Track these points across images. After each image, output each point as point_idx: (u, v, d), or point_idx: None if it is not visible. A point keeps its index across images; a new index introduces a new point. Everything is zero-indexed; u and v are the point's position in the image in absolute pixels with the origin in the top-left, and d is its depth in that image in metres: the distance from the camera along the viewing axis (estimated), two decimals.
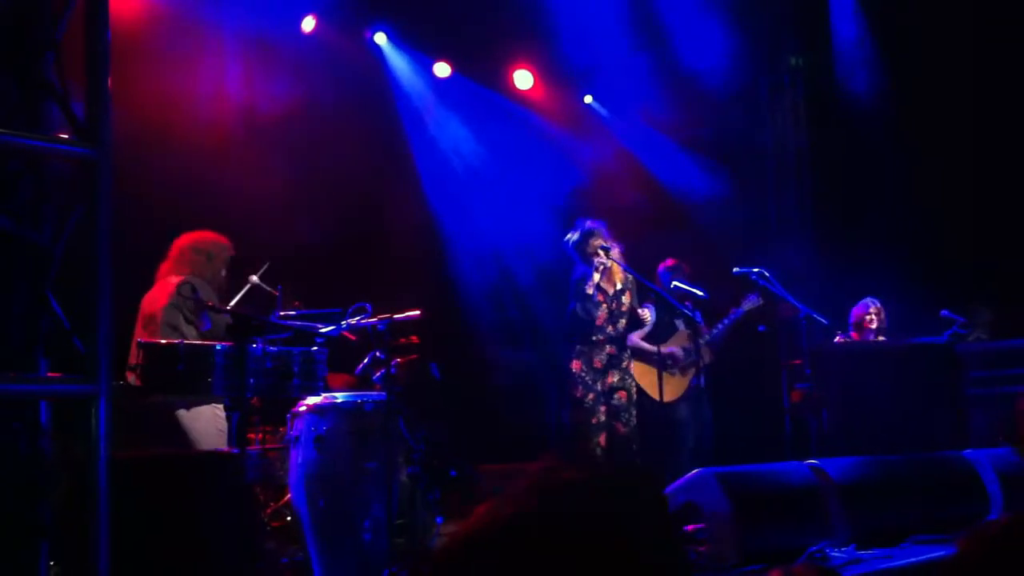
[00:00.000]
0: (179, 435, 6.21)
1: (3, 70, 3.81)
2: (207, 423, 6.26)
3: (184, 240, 6.76)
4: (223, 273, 6.76)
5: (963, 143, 9.69)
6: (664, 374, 8.24)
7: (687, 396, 8.86)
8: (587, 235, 8.10)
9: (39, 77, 3.91)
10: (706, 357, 8.94)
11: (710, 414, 8.92)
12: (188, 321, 6.40)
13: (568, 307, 8.12)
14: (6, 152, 3.71)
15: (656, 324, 8.50)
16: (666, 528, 1.45)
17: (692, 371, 8.88)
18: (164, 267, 6.69)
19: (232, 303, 6.70)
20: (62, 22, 3.98)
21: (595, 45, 10.50)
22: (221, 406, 6.36)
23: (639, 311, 8.12)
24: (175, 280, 6.51)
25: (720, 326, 9.04)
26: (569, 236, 8.21)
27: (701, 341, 8.75)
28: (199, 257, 6.66)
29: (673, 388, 8.65)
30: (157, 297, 6.50)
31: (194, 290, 6.41)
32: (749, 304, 9.06)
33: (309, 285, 7.56)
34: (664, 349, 8.43)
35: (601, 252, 7.93)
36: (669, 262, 8.92)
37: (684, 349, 8.78)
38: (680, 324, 8.97)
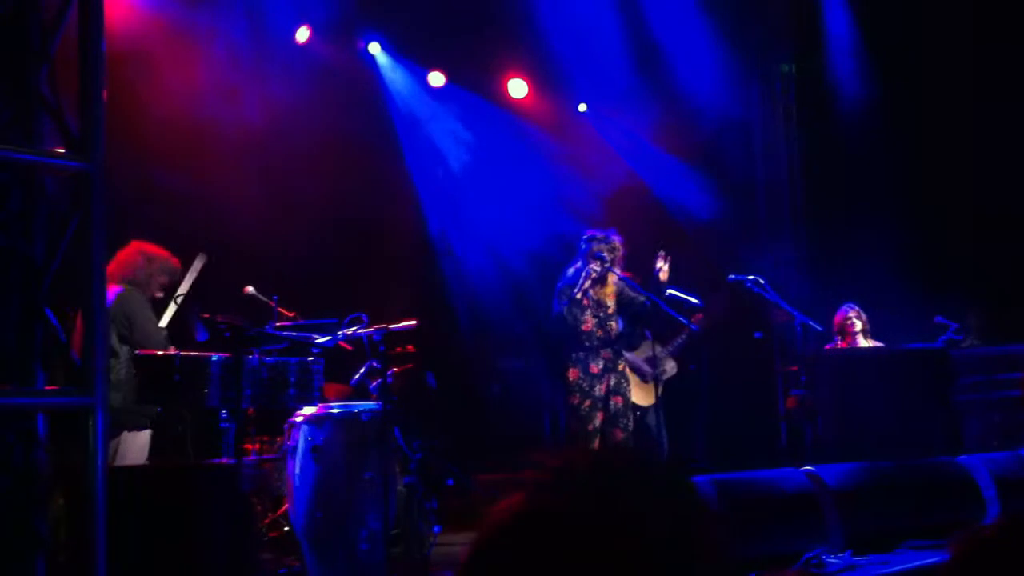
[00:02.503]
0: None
1: None
2: (133, 449, 6.27)
3: (131, 248, 6.63)
4: (158, 293, 6.66)
5: (956, 149, 9.71)
6: (639, 380, 8.28)
7: (655, 405, 8.89)
8: (602, 239, 8.06)
9: (34, 90, 3.93)
10: (671, 369, 8.97)
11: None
12: (123, 339, 6.27)
13: (553, 310, 8.09)
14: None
15: (625, 331, 8.49)
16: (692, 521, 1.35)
17: (661, 381, 8.93)
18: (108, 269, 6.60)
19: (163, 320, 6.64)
20: (56, 36, 4.00)
21: (588, 54, 10.52)
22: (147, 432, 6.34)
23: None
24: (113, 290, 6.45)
25: (679, 340, 9.09)
26: (590, 231, 8.18)
27: (662, 353, 8.78)
28: (147, 265, 6.56)
29: (647, 394, 8.65)
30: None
31: (192, 304, 6.43)
32: (700, 324, 9.01)
33: (305, 296, 7.57)
34: (636, 360, 8.42)
35: (597, 261, 7.92)
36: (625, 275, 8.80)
37: (647, 360, 8.74)
38: (649, 334, 8.98)
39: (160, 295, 6.64)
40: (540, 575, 1.22)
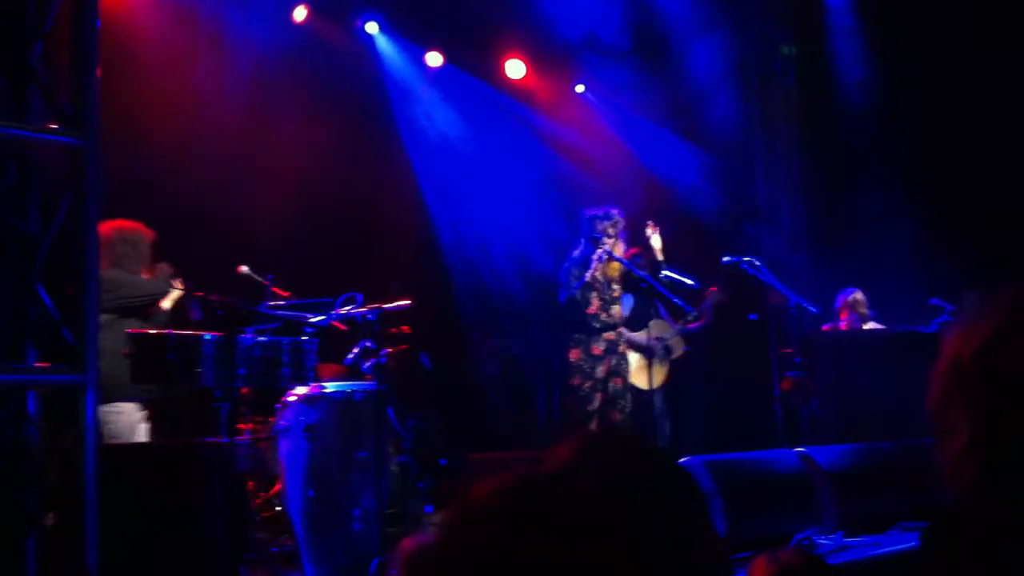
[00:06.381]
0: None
1: None
2: (118, 422, 6.22)
3: (105, 231, 6.58)
4: (146, 261, 6.57)
5: (956, 132, 9.68)
6: (645, 362, 8.27)
7: (665, 386, 8.89)
8: (603, 217, 8.05)
9: (26, 66, 3.91)
10: (680, 348, 8.96)
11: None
12: (124, 316, 6.24)
13: (560, 294, 8.09)
14: None
15: (634, 312, 8.49)
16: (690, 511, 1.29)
17: (669, 361, 8.93)
18: None
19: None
20: (51, 12, 3.98)
21: (586, 34, 10.49)
22: (135, 404, 6.29)
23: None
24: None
25: (693, 324, 9.13)
26: (590, 211, 8.17)
27: (669, 335, 8.79)
28: (125, 248, 6.47)
29: (657, 375, 8.66)
30: None
31: (184, 282, 6.42)
32: (714, 298, 9.00)
33: (299, 274, 7.56)
34: (640, 339, 8.40)
35: (600, 243, 7.89)
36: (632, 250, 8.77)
37: (658, 339, 8.72)
38: (664, 311, 8.98)
39: (144, 265, 6.54)
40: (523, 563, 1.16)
